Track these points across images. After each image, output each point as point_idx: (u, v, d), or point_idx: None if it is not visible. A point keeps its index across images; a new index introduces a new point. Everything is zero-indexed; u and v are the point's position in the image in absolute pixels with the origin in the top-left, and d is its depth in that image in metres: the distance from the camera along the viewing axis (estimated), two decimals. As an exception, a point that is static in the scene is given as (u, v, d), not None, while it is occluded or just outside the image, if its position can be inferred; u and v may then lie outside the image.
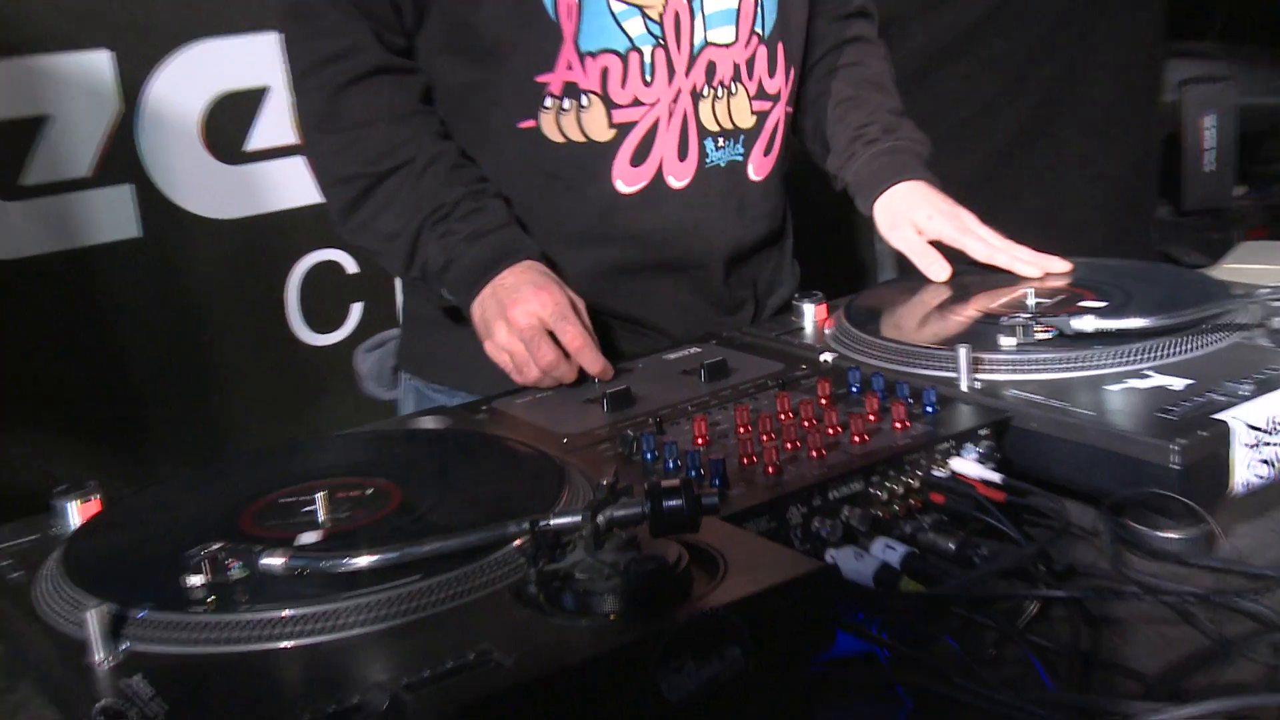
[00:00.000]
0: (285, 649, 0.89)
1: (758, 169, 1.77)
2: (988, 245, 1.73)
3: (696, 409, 1.38)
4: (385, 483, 1.13)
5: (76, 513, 1.16)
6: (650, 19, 1.63)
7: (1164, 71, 4.02)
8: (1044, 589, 1.09)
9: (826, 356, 1.52)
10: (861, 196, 1.84)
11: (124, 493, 1.22)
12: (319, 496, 1.08)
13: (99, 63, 2.30)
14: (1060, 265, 1.70)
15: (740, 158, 1.74)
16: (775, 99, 1.77)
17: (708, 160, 1.71)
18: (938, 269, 1.74)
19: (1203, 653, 1.02)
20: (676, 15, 1.64)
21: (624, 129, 1.64)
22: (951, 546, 1.14)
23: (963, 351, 1.35)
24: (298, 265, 2.57)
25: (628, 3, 1.61)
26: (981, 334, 1.46)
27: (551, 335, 1.51)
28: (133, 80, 2.34)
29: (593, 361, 1.52)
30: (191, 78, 2.40)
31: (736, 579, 0.91)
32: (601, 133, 1.64)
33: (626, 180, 1.67)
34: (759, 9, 1.72)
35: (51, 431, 2.29)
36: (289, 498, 1.11)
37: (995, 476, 1.22)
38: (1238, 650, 1.01)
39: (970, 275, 1.73)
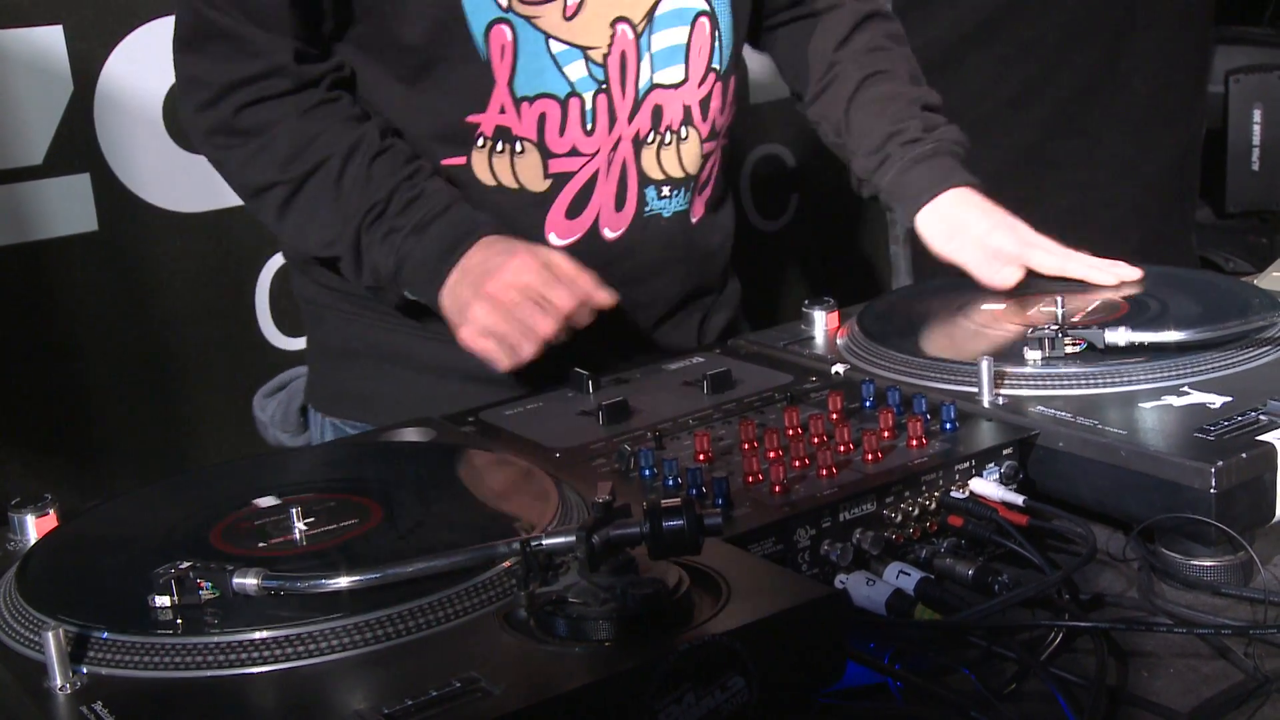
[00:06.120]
0: (257, 674, 0.91)
1: (699, 209, 1.77)
2: (1055, 256, 1.70)
3: (698, 423, 1.40)
4: (366, 498, 1.15)
5: (33, 527, 1.18)
6: (594, 61, 1.61)
7: (1212, 60, 4.01)
8: (1068, 619, 1.11)
9: (838, 368, 1.54)
10: (903, 206, 1.80)
11: (86, 506, 1.24)
12: (294, 512, 1.10)
13: (49, 39, 2.29)
14: (1132, 273, 1.68)
15: (685, 206, 1.74)
16: (718, 136, 1.77)
17: (647, 209, 1.70)
18: (1009, 273, 1.69)
19: (1238, 689, 1.03)
20: (623, 55, 1.62)
21: (560, 179, 1.64)
22: (969, 573, 1.16)
23: (985, 364, 1.37)
24: (269, 263, 2.56)
25: (569, 43, 1.59)
26: (1005, 346, 1.47)
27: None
28: (87, 59, 2.33)
29: (601, 297, 1.52)
30: (153, 57, 2.38)
31: (740, 605, 0.93)
32: (536, 183, 1.63)
33: (560, 233, 1.66)
34: (716, 43, 1.70)
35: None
36: (262, 513, 1.13)
37: (1018, 499, 1.24)
38: (1276, 687, 1.02)
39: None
